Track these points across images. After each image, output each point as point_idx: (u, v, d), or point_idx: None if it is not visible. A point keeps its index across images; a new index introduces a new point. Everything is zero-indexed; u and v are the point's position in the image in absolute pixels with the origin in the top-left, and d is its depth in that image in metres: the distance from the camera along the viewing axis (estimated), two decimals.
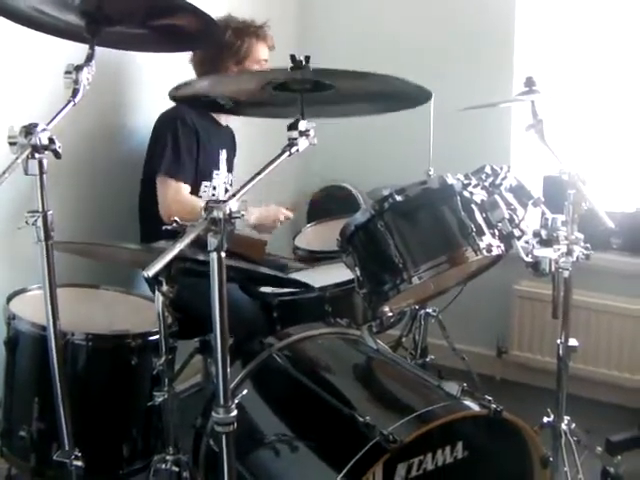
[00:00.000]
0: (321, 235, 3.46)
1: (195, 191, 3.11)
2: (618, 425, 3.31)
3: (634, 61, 3.62)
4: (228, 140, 3.38)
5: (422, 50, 3.98)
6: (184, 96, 2.12)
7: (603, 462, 2.79)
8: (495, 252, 2.12)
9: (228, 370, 1.62)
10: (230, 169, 3.25)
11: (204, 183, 3.13)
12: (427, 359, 3.57)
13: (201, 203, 2.93)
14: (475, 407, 1.97)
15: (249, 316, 2.76)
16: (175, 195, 3.01)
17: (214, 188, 3.14)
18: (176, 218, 2.93)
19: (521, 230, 2.13)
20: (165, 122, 3.09)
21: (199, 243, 1.54)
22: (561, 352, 2.49)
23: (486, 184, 2.19)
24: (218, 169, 3.06)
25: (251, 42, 3.18)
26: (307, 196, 4.39)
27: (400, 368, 2.39)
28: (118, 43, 2.07)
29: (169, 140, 3.04)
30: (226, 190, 3.14)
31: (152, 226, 2.93)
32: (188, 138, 3.04)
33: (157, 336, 2.11)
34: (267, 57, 3.25)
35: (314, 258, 3.26)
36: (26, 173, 1.73)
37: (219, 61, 3.16)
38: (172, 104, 3.00)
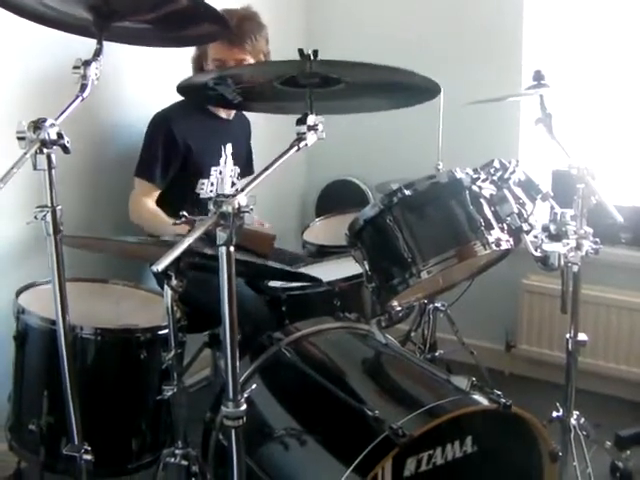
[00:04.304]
0: (330, 229, 3.46)
1: (188, 188, 3.14)
2: (627, 419, 3.32)
3: None
4: (235, 133, 3.31)
5: (431, 44, 3.97)
6: (191, 91, 2.13)
7: (612, 457, 2.79)
8: (504, 246, 2.12)
9: (237, 364, 1.62)
10: (238, 163, 3.23)
11: (200, 180, 3.12)
12: (436, 353, 3.57)
13: (160, 216, 2.96)
14: (484, 401, 1.96)
15: (254, 311, 2.76)
16: (135, 195, 3.10)
17: (212, 184, 3.13)
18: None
19: (530, 224, 2.13)
20: (149, 123, 3.12)
21: (208, 237, 1.55)
22: (570, 347, 2.49)
23: (495, 178, 2.19)
24: (218, 165, 3.06)
25: None
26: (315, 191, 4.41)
27: (409, 362, 2.39)
28: (125, 38, 2.07)
29: (145, 141, 3.10)
30: (233, 183, 3.13)
31: None
32: (165, 140, 3.05)
33: (166, 330, 2.12)
34: (226, 57, 3.04)
35: (323, 252, 3.26)
36: (35, 168, 1.73)
37: (196, 56, 3.19)
38: (173, 101, 3.01)
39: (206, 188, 3.13)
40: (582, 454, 2.51)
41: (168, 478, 2.21)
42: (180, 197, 3.06)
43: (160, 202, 3.09)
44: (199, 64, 3.16)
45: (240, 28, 2.99)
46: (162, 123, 3.08)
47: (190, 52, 3.16)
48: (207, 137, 3.12)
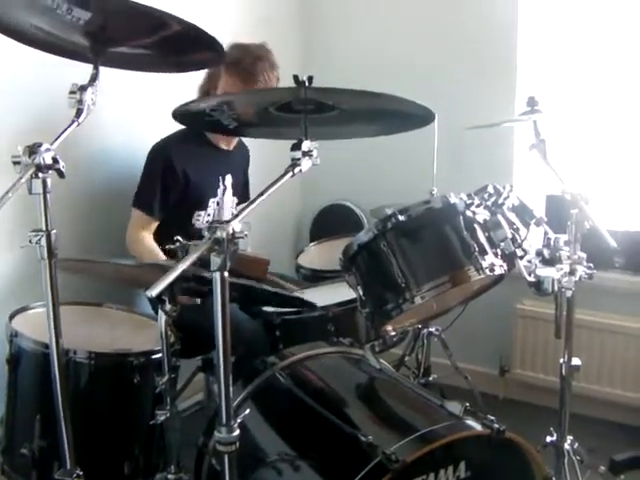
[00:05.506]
0: (324, 254, 3.47)
1: (185, 219, 3.13)
2: (621, 444, 3.30)
3: (636, 81, 3.63)
4: (235, 163, 3.31)
5: (425, 70, 4.00)
6: (187, 116, 2.13)
7: None
8: (498, 271, 2.13)
9: (231, 389, 1.62)
10: (236, 193, 3.21)
11: (197, 212, 3.11)
12: (430, 378, 3.56)
13: (158, 255, 2.95)
14: (478, 427, 1.96)
15: (249, 333, 2.76)
16: (133, 226, 3.08)
17: (209, 215, 3.12)
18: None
19: (523, 249, 2.14)
20: (149, 154, 3.11)
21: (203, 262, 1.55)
22: (564, 371, 2.49)
23: (489, 204, 2.20)
24: (216, 196, 3.07)
25: (219, 72, 3.05)
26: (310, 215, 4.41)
27: (403, 387, 2.38)
28: (122, 63, 2.07)
29: (144, 171, 3.09)
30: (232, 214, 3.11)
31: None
32: (164, 169, 3.04)
33: (160, 355, 2.12)
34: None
35: (317, 277, 3.26)
36: (30, 192, 1.73)
37: (203, 86, 3.19)
38: (172, 126, 3.01)
39: (202, 219, 3.12)
40: (576, 479, 2.50)
41: None
42: (176, 229, 3.03)
43: (156, 233, 3.08)
44: (206, 94, 3.16)
45: (254, 67, 3.00)
46: (161, 152, 3.07)
47: (189, 77, 3.15)
48: (206, 168, 3.10)
